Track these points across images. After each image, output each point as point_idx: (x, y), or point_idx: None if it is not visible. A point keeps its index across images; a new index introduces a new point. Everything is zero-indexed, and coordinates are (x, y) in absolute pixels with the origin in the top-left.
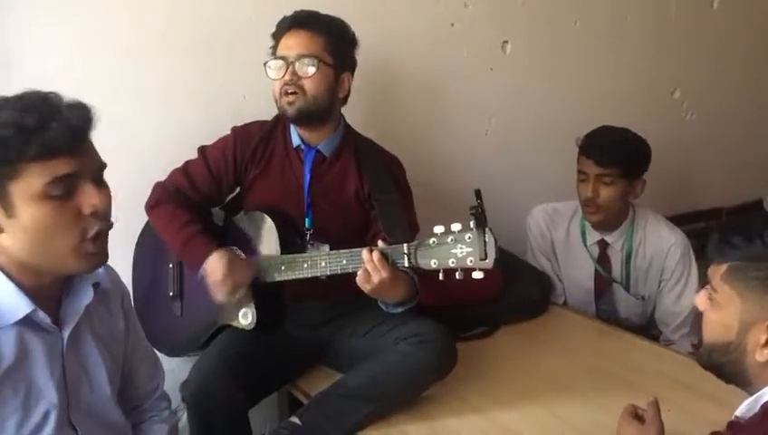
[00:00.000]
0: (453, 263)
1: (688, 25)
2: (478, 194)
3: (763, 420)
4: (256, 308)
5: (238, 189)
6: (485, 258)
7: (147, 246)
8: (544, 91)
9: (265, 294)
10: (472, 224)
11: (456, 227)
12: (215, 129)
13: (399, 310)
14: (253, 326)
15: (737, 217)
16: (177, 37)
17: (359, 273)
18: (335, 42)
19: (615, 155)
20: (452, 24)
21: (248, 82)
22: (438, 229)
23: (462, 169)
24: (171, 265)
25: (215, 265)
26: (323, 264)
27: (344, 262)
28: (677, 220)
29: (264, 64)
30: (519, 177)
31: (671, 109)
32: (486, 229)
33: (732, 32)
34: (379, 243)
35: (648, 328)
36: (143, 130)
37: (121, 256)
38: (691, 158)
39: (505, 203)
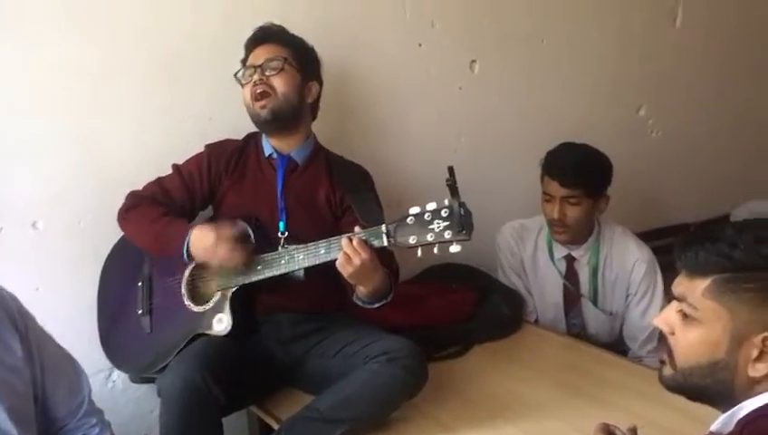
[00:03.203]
0: (431, 238)
1: (652, 44)
2: (451, 171)
3: None
4: (231, 313)
5: (211, 210)
6: (462, 230)
7: (113, 270)
8: (513, 109)
9: (239, 300)
10: (447, 200)
11: (431, 205)
12: (181, 150)
13: (375, 305)
14: (227, 331)
15: (701, 227)
16: (143, 58)
17: (339, 256)
18: (299, 52)
19: (579, 176)
20: (420, 45)
21: (214, 104)
22: (414, 210)
23: (431, 187)
24: (140, 284)
25: (201, 233)
26: (301, 257)
27: (322, 251)
28: (645, 236)
29: (235, 75)
30: (489, 194)
31: (637, 126)
32: (461, 202)
33: (695, 49)
34: (356, 228)
35: (617, 345)
36: (109, 151)
37: (89, 279)
38: (658, 174)
39: (476, 221)
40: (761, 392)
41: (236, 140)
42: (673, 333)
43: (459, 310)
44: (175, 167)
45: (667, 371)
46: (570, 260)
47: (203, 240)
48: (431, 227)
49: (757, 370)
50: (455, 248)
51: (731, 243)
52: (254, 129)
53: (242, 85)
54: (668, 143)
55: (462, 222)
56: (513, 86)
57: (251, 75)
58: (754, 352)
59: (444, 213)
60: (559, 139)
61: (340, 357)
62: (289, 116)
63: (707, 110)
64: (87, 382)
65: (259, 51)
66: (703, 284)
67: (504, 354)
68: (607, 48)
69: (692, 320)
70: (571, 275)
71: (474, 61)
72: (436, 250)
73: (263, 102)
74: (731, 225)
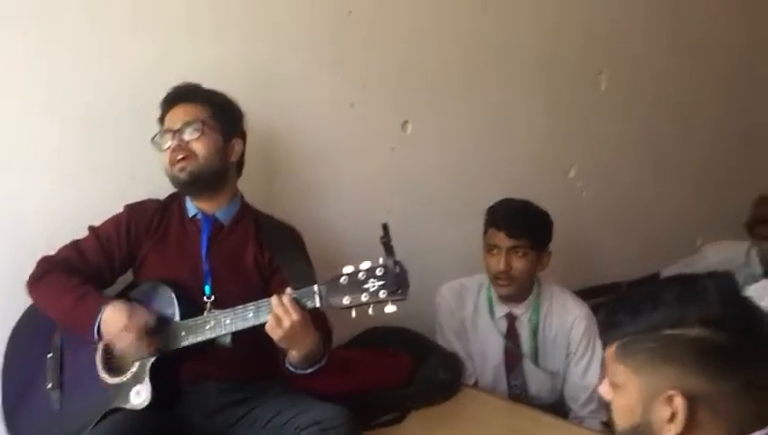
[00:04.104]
0: (366, 298)
1: (578, 108)
2: (385, 228)
3: None
4: (151, 385)
5: (131, 274)
6: (398, 289)
7: (20, 340)
8: (446, 170)
9: (160, 369)
10: (381, 259)
11: (365, 264)
12: (100, 211)
13: (309, 370)
14: (146, 404)
15: (619, 294)
16: (58, 115)
17: (268, 319)
18: (218, 110)
19: (525, 226)
20: (351, 105)
21: (137, 162)
22: (348, 269)
23: (366, 249)
24: (50, 355)
25: (114, 313)
26: (228, 321)
27: (250, 315)
28: (578, 296)
29: (152, 140)
30: (424, 255)
31: (567, 187)
32: (396, 261)
33: (619, 112)
34: (288, 290)
35: (558, 406)
36: (20, 212)
37: None
38: (589, 234)
39: (412, 283)
40: None
41: (158, 200)
42: (610, 401)
43: (395, 375)
44: (91, 229)
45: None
46: (510, 319)
47: (113, 323)
48: (366, 286)
49: (670, 431)
50: (390, 308)
51: (631, 310)
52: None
53: (160, 150)
54: (598, 203)
55: (398, 281)
56: (445, 147)
57: (169, 140)
58: (666, 413)
59: (378, 272)
60: (492, 199)
61: (270, 429)
62: (211, 178)
63: (633, 169)
64: None
65: (176, 112)
66: (612, 349)
67: (443, 420)
68: (535, 111)
69: (615, 385)
70: (512, 335)
71: (406, 121)
72: (371, 311)
73: (182, 164)
74: (638, 292)
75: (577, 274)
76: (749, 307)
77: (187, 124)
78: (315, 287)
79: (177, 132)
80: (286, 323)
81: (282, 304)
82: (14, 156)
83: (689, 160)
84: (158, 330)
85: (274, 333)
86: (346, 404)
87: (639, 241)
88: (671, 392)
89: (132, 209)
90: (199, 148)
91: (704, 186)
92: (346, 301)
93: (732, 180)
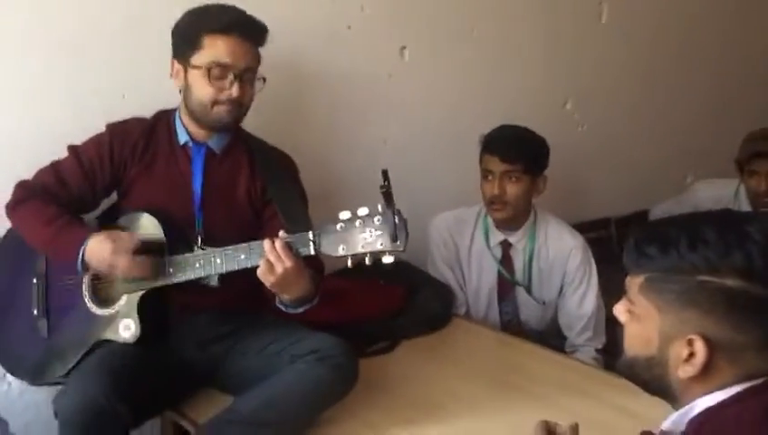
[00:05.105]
0: (362, 247)
1: (578, 39)
2: (386, 175)
3: None
4: (140, 319)
5: (115, 197)
6: (397, 241)
7: (2, 263)
8: (443, 98)
9: (149, 303)
10: (380, 207)
11: (363, 211)
12: (86, 130)
13: (300, 310)
14: (135, 339)
15: (652, 224)
16: (44, 31)
17: (260, 264)
18: (259, 52)
19: (519, 150)
20: (349, 27)
21: (129, 80)
22: (344, 215)
23: (361, 179)
24: (35, 281)
25: (99, 242)
26: (218, 261)
27: (242, 256)
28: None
29: (192, 67)
30: (420, 185)
31: (564, 120)
32: (396, 210)
33: (619, 45)
34: (281, 233)
35: (547, 337)
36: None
37: None
38: (582, 168)
39: (407, 213)
40: (704, 393)
41: (143, 120)
42: (623, 324)
43: (386, 305)
44: (72, 150)
45: (621, 357)
46: (506, 246)
47: (99, 251)
48: (362, 235)
49: (685, 371)
50: (388, 259)
51: (664, 244)
52: (167, 107)
53: (199, 69)
54: (593, 137)
55: (396, 231)
56: (442, 75)
57: (226, 79)
58: (684, 353)
59: (377, 220)
60: (488, 129)
61: (265, 356)
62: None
63: (630, 105)
64: None
65: (237, 48)
66: (638, 281)
67: (435, 350)
68: (534, 41)
69: (632, 314)
70: (506, 262)
71: (404, 47)
72: (367, 261)
73: (229, 108)
74: (672, 224)
75: (567, 208)
76: None
77: (248, 70)
78: (310, 234)
79: (237, 76)
80: (279, 269)
81: (274, 249)
82: None
83: (685, 97)
84: (147, 251)
85: (266, 278)
86: (336, 334)
87: (630, 177)
88: (693, 336)
89: (115, 129)
90: (248, 96)
91: (696, 122)
92: (342, 250)
93: (726, 117)
